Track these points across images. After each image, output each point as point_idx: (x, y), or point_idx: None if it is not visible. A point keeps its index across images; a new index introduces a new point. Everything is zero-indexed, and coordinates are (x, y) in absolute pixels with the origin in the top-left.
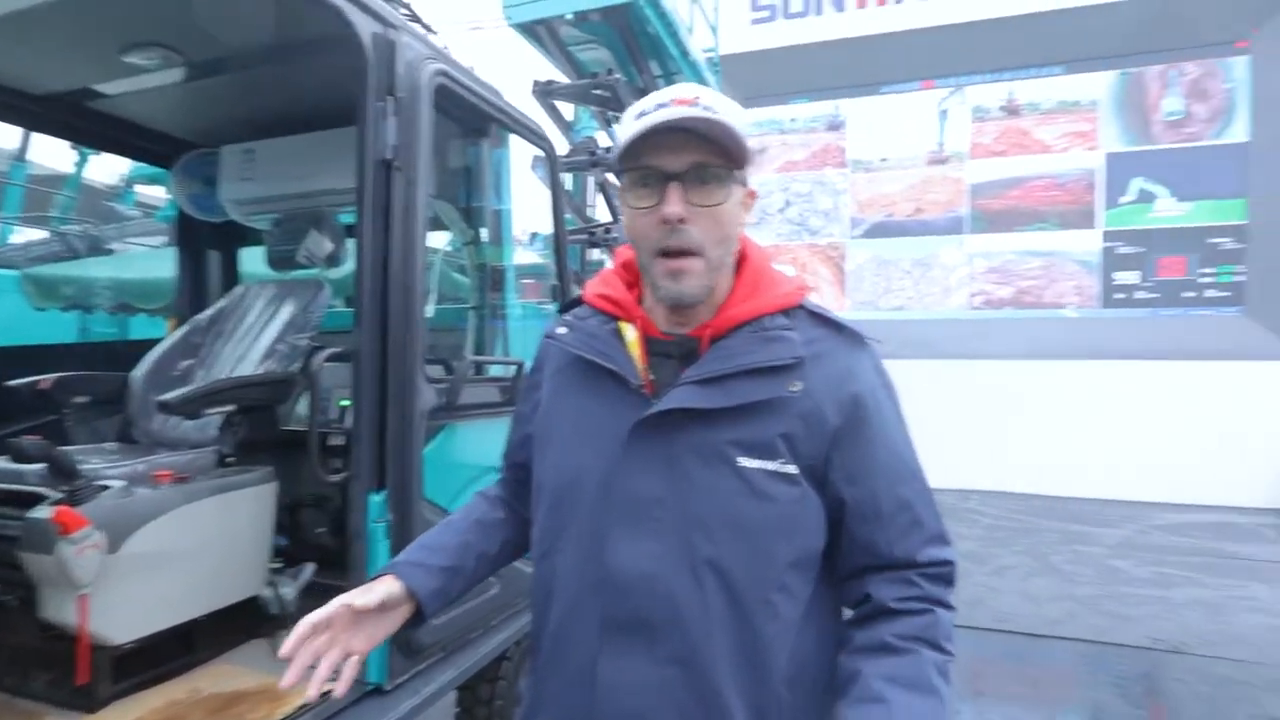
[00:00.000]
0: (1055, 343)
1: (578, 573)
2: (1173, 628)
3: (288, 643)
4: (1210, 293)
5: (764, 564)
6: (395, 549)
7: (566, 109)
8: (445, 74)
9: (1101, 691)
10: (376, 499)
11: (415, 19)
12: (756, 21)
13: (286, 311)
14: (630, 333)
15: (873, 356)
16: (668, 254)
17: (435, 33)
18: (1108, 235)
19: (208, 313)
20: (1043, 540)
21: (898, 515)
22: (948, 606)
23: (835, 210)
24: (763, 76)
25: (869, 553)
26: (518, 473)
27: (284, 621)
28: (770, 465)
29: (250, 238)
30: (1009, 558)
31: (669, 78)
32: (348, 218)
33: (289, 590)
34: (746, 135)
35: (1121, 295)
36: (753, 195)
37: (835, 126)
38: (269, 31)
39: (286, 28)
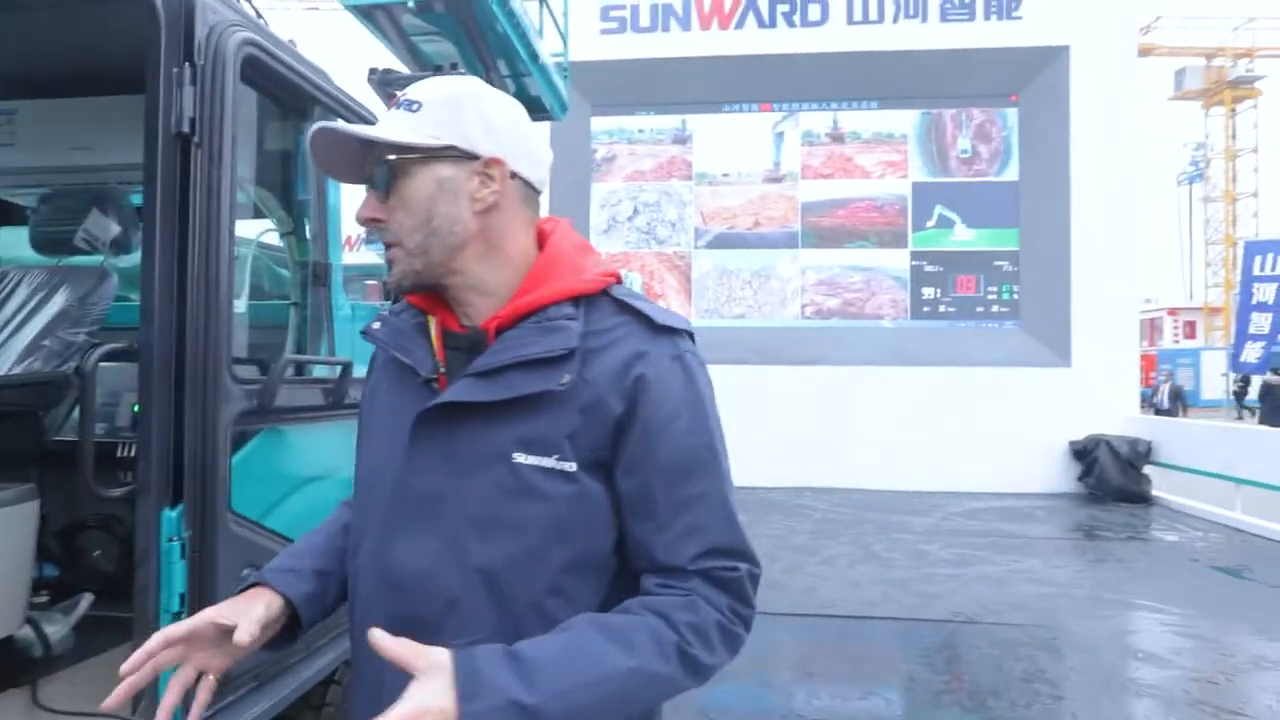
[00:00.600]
0: (875, 350)
1: (370, 573)
2: (967, 601)
3: (132, 658)
4: (996, 308)
5: (535, 566)
6: (194, 569)
7: None
8: (256, 44)
9: (912, 664)
10: (171, 514)
11: None
12: (605, 32)
13: (58, 303)
14: (434, 326)
15: (675, 346)
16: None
17: (251, 3)
18: (915, 255)
19: None
20: (865, 531)
21: (678, 516)
22: (718, 609)
23: (681, 220)
24: (610, 86)
25: (645, 555)
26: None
27: (51, 665)
28: (547, 462)
29: (11, 215)
30: (836, 548)
31: (518, 79)
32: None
33: (57, 627)
34: (361, 126)
35: (928, 308)
36: (497, 162)
37: (682, 140)
38: None
39: None
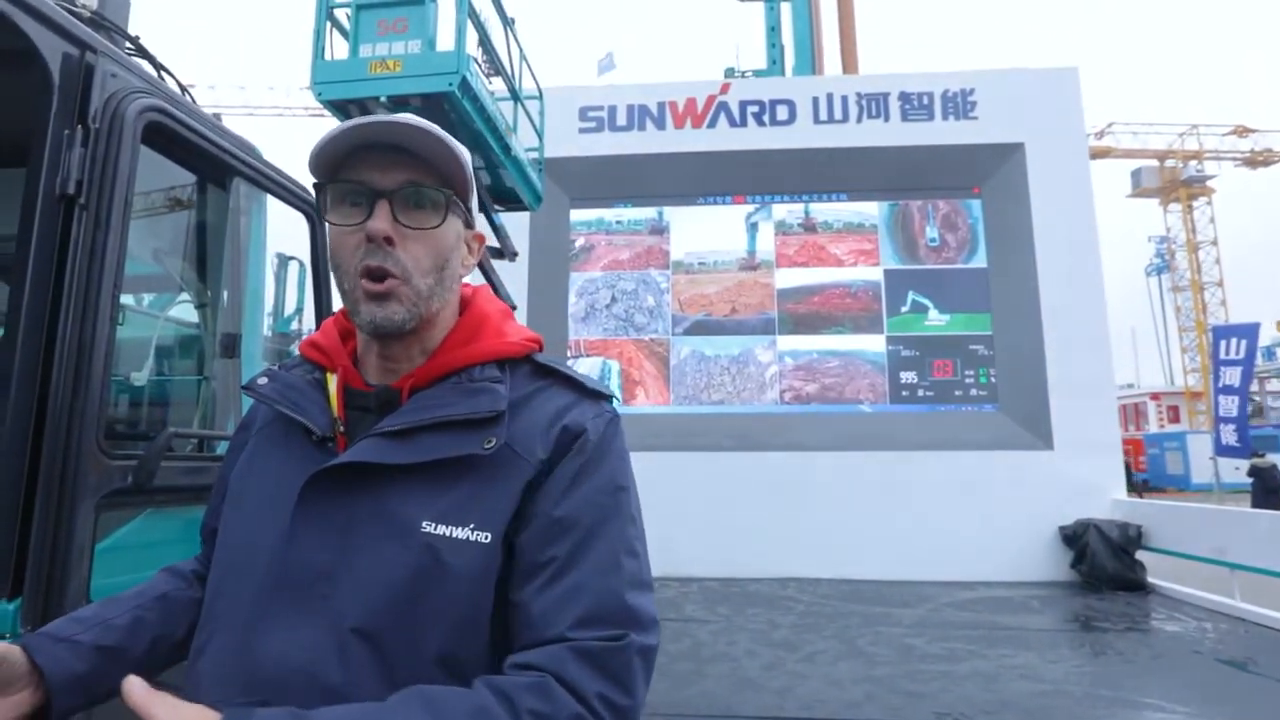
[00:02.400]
0: (856, 435)
1: (222, 674)
2: (956, 700)
3: None
4: (974, 391)
5: (437, 652)
6: None
7: None
8: (161, 110)
9: None
10: (8, 608)
11: (144, 54)
12: (584, 130)
13: None
14: (333, 383)
15: (600, 410)
16: (371, 275)
17: (171, 74)
18: (891, 339)
19: None
20: (850, 624)
21: (559, 578)
22: (582, 697)
23: (659, 308)
24: (588, 180)
25: (521, 624)
26: (208, 541)
27: None
28: (460, 533)
29: None
30: (819, 643)
31: (492, 171)
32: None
33: None
34: (467, 163)
35: (906, 392)
36: (480, 239)
37: (658, 230)
38: None
39: None
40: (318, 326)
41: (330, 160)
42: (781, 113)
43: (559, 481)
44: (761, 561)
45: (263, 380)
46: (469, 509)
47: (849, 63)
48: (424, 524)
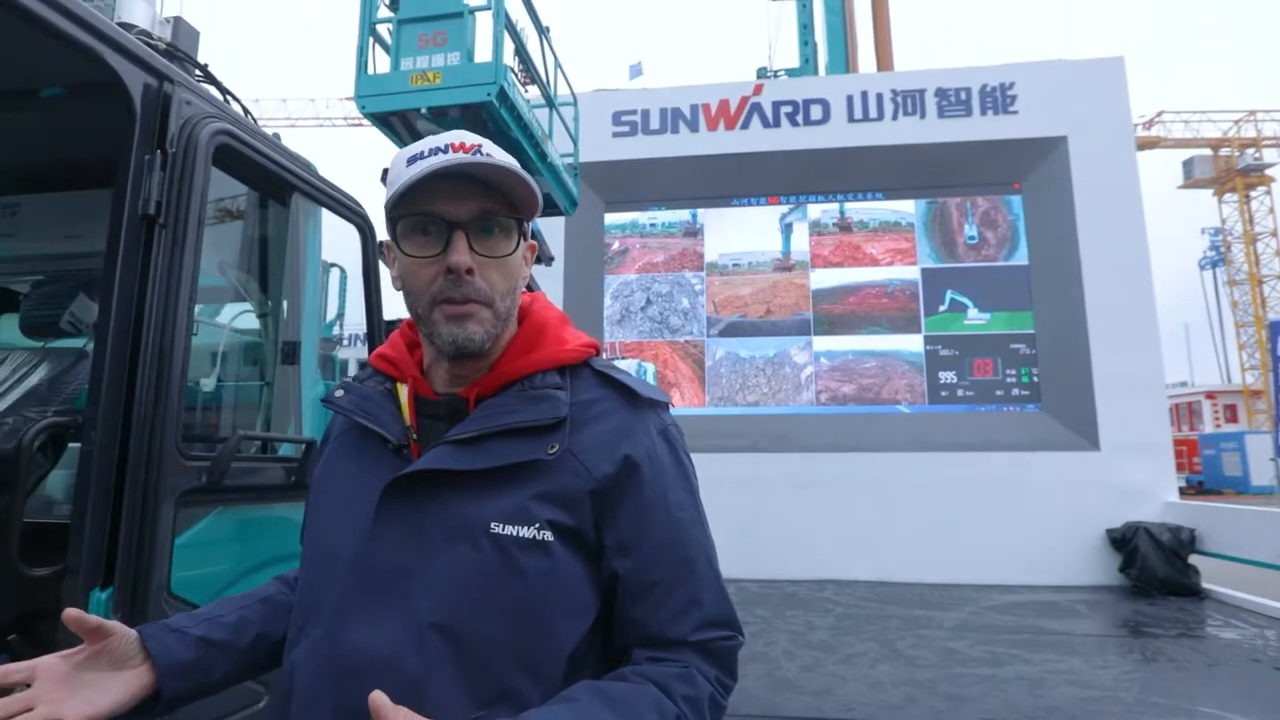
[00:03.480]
0: (894, 436)
1: (315, 663)
2: (1000, 705)
3: None
4: (1016, 391)
5: (506, 645)
6: None
7: None
8: (230, 134)
9: None
10: (100, 596)
11: (211, 80)
12: (618, 135)
13: (30, 382)
14: (404, 393)
15: (659, 420)
16: (451, 302)
17: (236, 98)
18: (929, 339)
19: None
20: (889, 627)
21: (671, 593)
22: (710, 681)
23: (694, 309)
24: (622, 183)
25: (638, 631)
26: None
27: None
28: (526, 533)
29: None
30: (858, 645)
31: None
32: None
33: None
34: (532, 186)
35: (945, 393)
36: (533, 249)
37: (692, 232)
38: (31, 77)
39: (53, 75)
40: (370, 333)
41: (405, 191)
42: (815, 112)
43: (643, 510)
44: (799, 563)
45: (339, 393)
46: (535, 511)
47: (884, 59)
48: (492, 525)
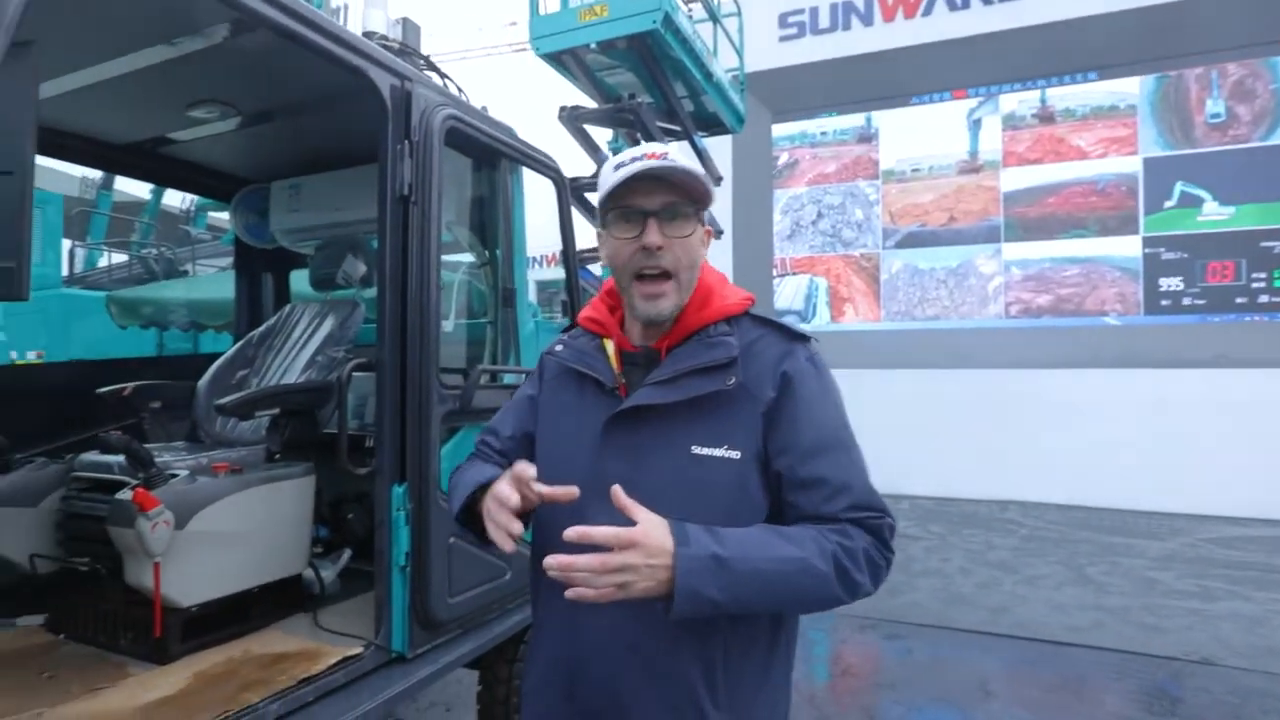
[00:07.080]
0: (1097, 351)
1: (561, 542)
2: (1205, 639)
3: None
4: (1263, 298)
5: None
6: (415, 535)
7: (597, 132)
8: (456, 117)
9: (1122, 701)
10: (399, 490)
11: (432, 67)
12: (784, 39)
13: (326, 327)
14: (610, 347)
15: (806, 349)
16: (643, 278)
17: (450, 79)
18: (1148, 241)
19: (260, 329)
20: (1079, 551)
21: (825, 482)
22: (869, 544)
23: (868, 221)
24: (790, 92)
25: (798, 513)
26: (506, 444)
27: (323, 600)
28: (718, 451)
29: (298, 262)
30: (1042, 568)
31: (695, 98)
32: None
33: (329, 572)
34: (707, 183)
35: (1167, 302)
36: (709, 233)
37: (866, 138)
38: (306, 87)
39: (321, 84)
40: (566, 264)
41: (612, 191)
42: None
43: (798, 418)
44: (979, 482)
45: (559, 348)
46: (722, 434)
47: None
48: (693, 447)
